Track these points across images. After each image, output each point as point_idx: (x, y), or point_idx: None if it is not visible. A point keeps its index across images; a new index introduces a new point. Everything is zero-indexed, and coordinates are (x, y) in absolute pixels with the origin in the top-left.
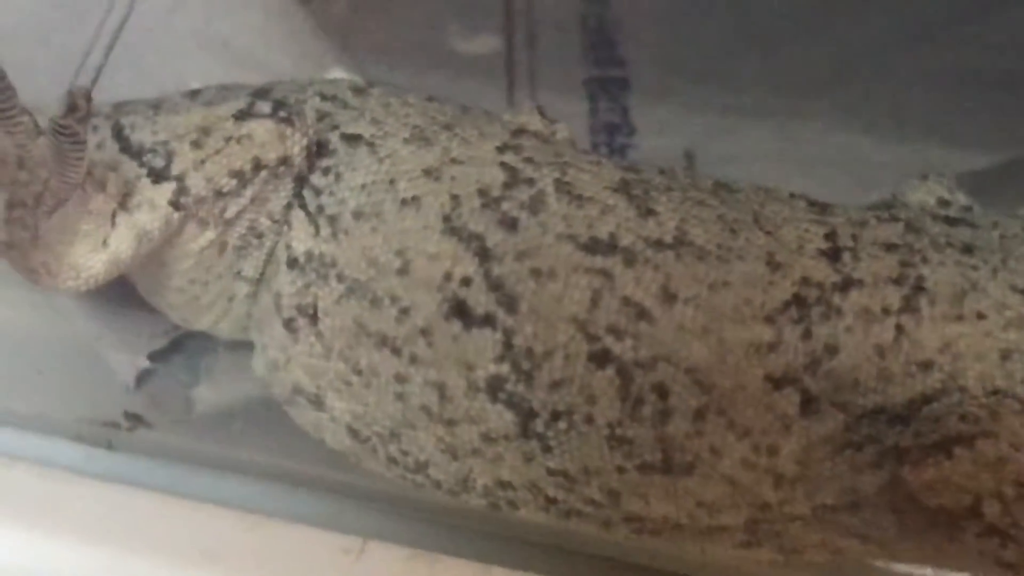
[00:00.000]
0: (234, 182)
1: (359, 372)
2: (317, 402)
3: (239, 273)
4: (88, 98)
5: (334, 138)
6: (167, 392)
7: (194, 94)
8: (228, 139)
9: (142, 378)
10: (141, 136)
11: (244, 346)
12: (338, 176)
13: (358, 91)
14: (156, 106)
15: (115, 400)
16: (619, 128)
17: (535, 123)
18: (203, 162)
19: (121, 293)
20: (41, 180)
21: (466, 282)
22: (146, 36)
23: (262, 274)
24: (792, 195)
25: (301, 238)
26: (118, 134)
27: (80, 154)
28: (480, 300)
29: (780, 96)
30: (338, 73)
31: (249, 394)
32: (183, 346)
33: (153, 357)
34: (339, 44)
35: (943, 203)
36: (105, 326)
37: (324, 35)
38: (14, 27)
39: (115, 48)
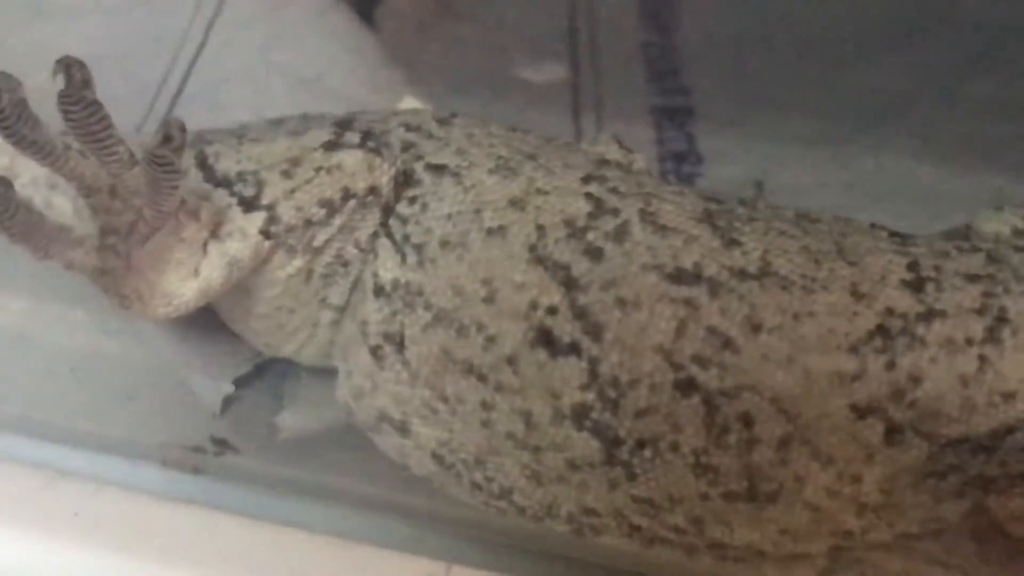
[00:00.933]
0: (323, 211)
1: (445, 399)
2: (402, 429)
3: (324, 300)
4: (183, 129)
5: (419, 168)
6: (252, 418)
7: (275, 123)
8: (318, 169)
9: (227, 404)
10: (226, 165)
11: (326, 373)
12: (424, 206)
13: (441, 121)
14: (239, 135)
15: (201, 426)
16: (686, 156)
17: (613, 152)
18: (293, 191)
19: (204, 320)
20: (135, 209)
21: (552, 311)
22: (221, 66)
23: (347, 302)
24: (872, 225)
25: (388, 266)
26: (202, 163)
27: (175, 184)
28: (566, 329)
29: (844, 125)
30: (411, 102)
31: (333, 420)
32: (266, 373)
33: (237, 383)
34: (410, 74)
35: (1019, 233)
36: (189, 353)
37: (396, 65)
38: (94, 57)
39: (191, 78)
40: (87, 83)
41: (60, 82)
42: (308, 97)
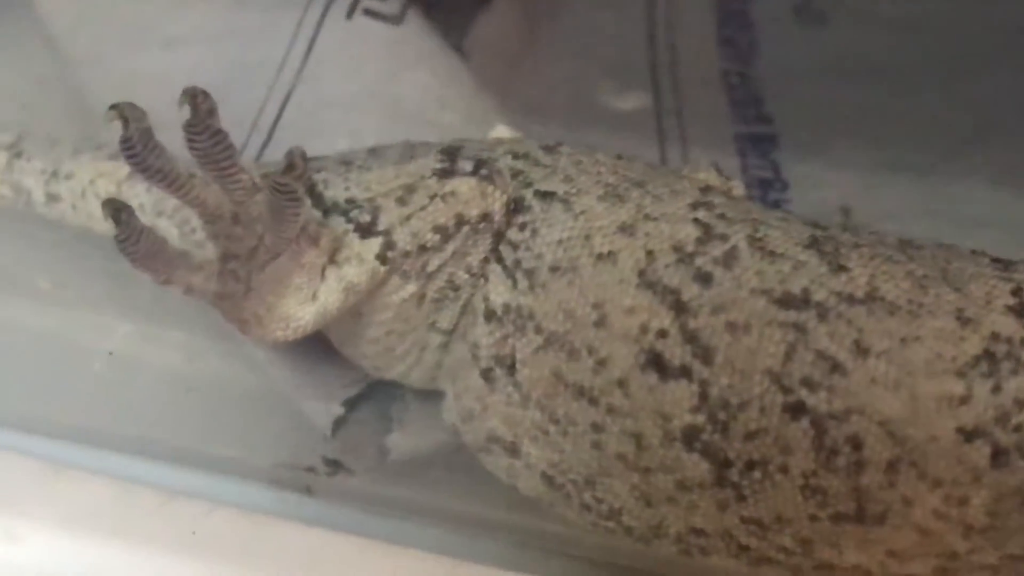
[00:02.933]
0: (437, 237)
1: (556, 421)
2: (512, 450)
3: (434, 324)
4: (305, 158)
5: (528, 195)
6: (362, 439)
7: (378, 151)
8: (433, 196)
9: (337, 425)
10: (334, 192)
11: (432, 394)
12: (534, 232)
13: (548, 149)
14: (346, 163)
15: (312, 447)
16: (772, 184)
17: (712, 180)
18: (409, 218)
19: (313, 343)
20: (256, 235)
21: (662, 335)
22: (317, 94)
23: (456, 325)
24: (974, 252)
25: (499, 291)
26: (311, 190)
27: (297, 211)
28: (676, 352)
29: (928, 153)
30: (503, 130)
31: (441, 441)
32: (373, 395)
33: (346, 405)
34: (500, 102)
35: None
36: (300, 376)
37: (486, 94)
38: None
39: (288, 106)
40: (212, 112)
41: (186, 112)
42: (402, 125)
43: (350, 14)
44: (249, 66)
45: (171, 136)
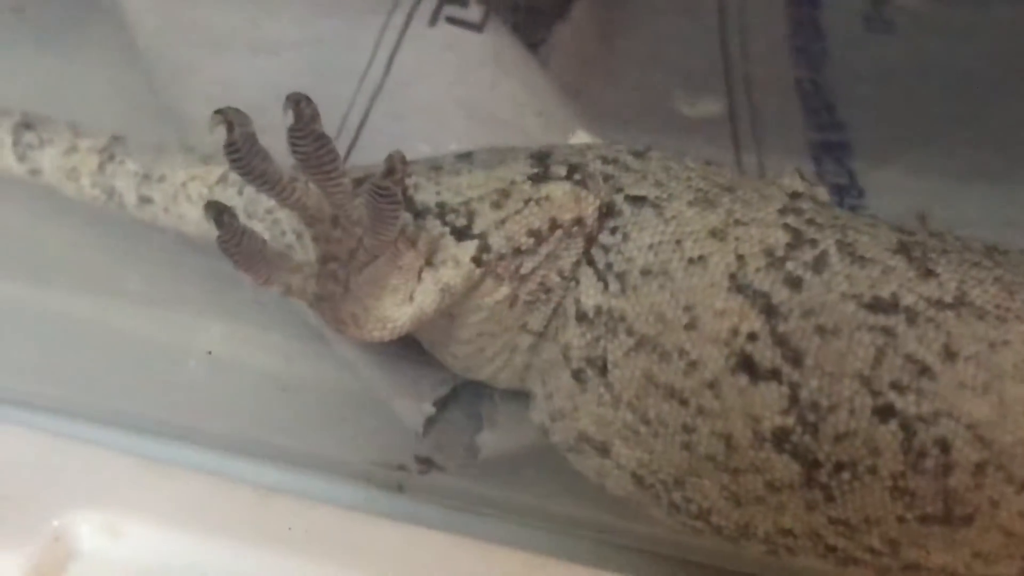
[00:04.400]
0: (532, 241)
1: (647, 422)
2: (603, 449)
3: (525, 326)
4: (404, 162)
5: (620, 199)
6: (452, 438)
7: (465, 156)
8: (527, 200)
9: (428, 424)
10: (425, 196)
11: (519, 394)
12: (625, 236)
13: (637, 154)
14: (435, 167)
15: (403, 445)
16: (848, 190)
17: (797, 185)
18: (504, 222)
19: (403, 344)
20: (355, 237)
21: (752, 337)
22: (401, 100)
23: (546, 327)
24: None
25: (591, 293)
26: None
27: (396, 214)
28: (766, 355)
29: (1003, 160)
30: (583, 136)
31: (529, 440)
32: (461, 394)
33: (437, 405)
34: (578, 108)
35: None
36: (390, 376)
37: (565, 100)
38: (279, 91)
39: (372, 111)
40: (315, 117)
41: (290, 117)
42: (483, 130)
43: (433, 21)
44: (334, 72)
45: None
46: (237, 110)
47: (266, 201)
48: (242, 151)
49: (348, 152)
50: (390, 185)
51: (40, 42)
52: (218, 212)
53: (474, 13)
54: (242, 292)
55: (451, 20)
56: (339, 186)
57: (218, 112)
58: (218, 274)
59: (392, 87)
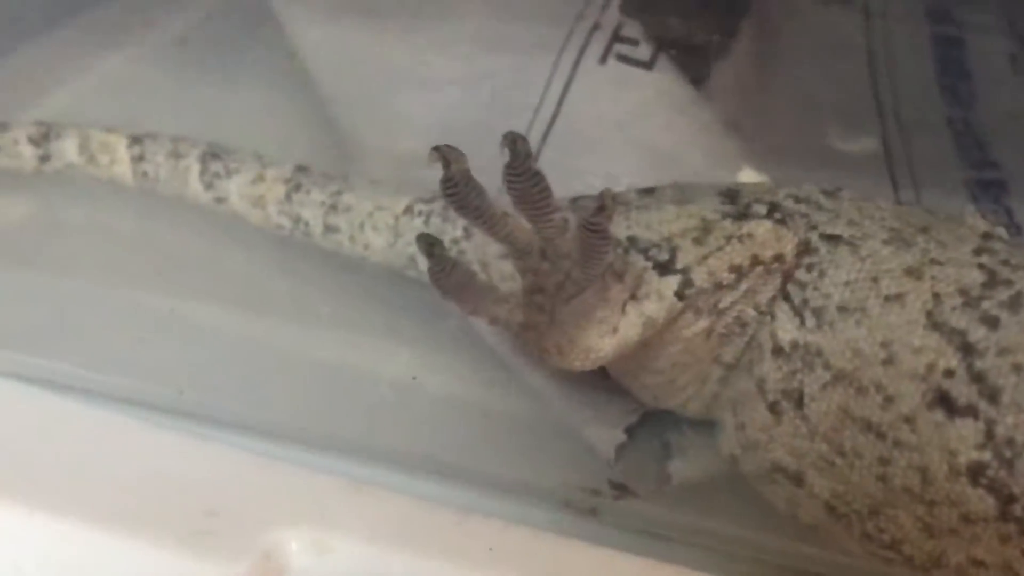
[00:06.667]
0: (732, 276)
1: (843, 454)
2: (797, 480)
3: (717, 358)
4: (615, 199)
5: (814, 237)
6: (643, 465)
7: (650, 192)
8: (729, 237)
9: (619, 451)
10: (615, 231)
11: (704, 423)
12: (821, 273)
13: (828, 194)
14: (623, 202)
15: (596, 471)
16: (1007, 229)
17: (980, 225)
18: (706, 258)
19: (590, 373)
20: (563, 270)
21: (949, 374)
22: (575, 135)
23: (738, 360)
24: None
25: (787, 328)
26: None
27: (605, 249)
28: (962, 391)
29: None
30: (750, 174)
31: (718, 469)
32: (648, 422)
33: (627, 432)
34: (743, 145)
35: None
36: (581, 404)
37: (731, 137)
38: (448, 126)
39: (544, 147)
40: (529, 155)
41: (505, 155)
42: (653, 166)
43: (603, 59)
44: (504, 108)
45: (428, 174)
46: (452, 147)
47: (451, 232)
48: (459, 186)
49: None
50: (601, 221)
51: (203, 72)
52: (429, 244)
53: (644, 52)
54: (439, 320)
55: (621, 58)
56: (551, 221)
57: (435, 149)
58: (399, 302)
59: (564, 123)
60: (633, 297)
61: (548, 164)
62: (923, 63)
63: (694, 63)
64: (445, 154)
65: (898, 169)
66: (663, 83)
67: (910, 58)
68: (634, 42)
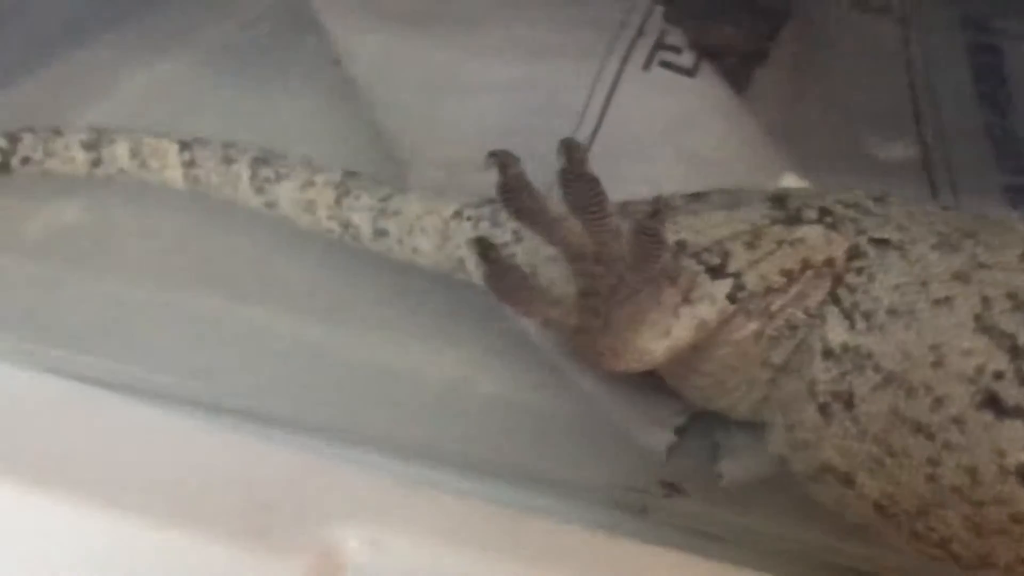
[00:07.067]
0: (784, 280)
1: (893, 454)
2: (846, 480)
3: (766, 360)
4: (669, 204)
5: (863, 242)
6: (691, 463)
7: (696, 197)
8: (780, 242)
9: (670, 452)
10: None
11: (750, 424)
12: (871, 276)
13: (877, 199)
14: (671, 207)
15: (644, 470)
16: None
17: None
18: (758, 262)
19: (638, 375)
20: (617, 274)
21: (998, 376)
22: (619, 140)
23: (786, 362)
24: None
25: (837, 331)
26: None
27: (660, 253)
28: (1011, 393)
29: None
30: (792, 180)
31: (767, 469)
32: (697, 423)
33: (677, 433)
34: (783, 151)
35: None
36: (629, 405)
37: (772, 143)
38: (493, 132)
39: (590, 151)
40: (584, 161)
41: (560, 160)
42: (696, 172)
43: (647, 66)
44: (548, 114)
45: (474, 179)
46: (508, 152)
47: (500, 236)
48: (515, 191)
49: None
50: (656, 225)
51: (247, 79)
52: (484, 248)
53: (687, 59)
54: (489, 322)
55: (665, 65)
56: (606, 226)
57: (491, 154)
58: (446, 305)
59: (609, 129)
60: (686, 300)
61: (594, 169)
62: (960, 70)
63: (736, 70)
64: (501, 159)
65: (937, 176)
66: (707, 90)
67: (947, 66)
68: (677, 49)
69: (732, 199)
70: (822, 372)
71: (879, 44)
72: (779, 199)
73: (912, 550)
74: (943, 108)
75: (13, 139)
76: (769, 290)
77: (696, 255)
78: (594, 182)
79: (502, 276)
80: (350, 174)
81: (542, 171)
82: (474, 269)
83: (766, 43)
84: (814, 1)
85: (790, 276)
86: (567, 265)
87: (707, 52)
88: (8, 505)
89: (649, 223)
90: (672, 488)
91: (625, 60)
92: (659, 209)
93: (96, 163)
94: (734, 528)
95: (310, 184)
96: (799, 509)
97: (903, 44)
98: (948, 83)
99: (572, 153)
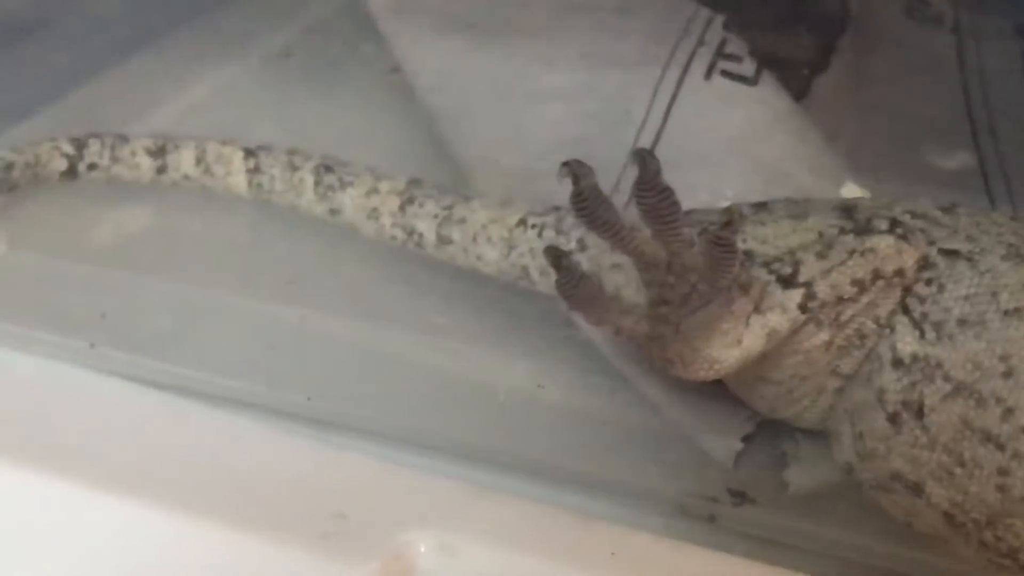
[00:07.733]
0: (854, 290)
1: (962, 464)
2: (916, 489)
3: (835, 370)
4: (742, 214)
5: (933, 252)
6: (760, 473)
7: (762, 206)
8: (851, 252)
9: (737, 460)
10: None
11: (817, 433)
12: (940, 287)
13: (945, 210)
14: None
15: (713, 478)
16: None
17: None
18: (829, 271)
19: (703, 383)
20: (689, 283)
21: None
22: (680, 149)
23: (855, 371)
24: None
25: (907, 341)
26: None
27: (732, 262)
28: None
29: None
30: (853, 189)
31: (834, 478)
32: (764, 432)
33: (744, 441)
34: (843, 159)
35: None
36: (697, 413)
37: (832, 151)
38: (555, 141)
39: None
40: (658, 172)
41: (635, 171)
42: (758, 180)
43: (708, 75)
44: (610, 123)
45: (538, 187)
46: (580, 162)
47: (565, 244)
48: (589, 201)
49: (629, 200)
50: (729, 235)
51: (307, 85)
52: (557, 257)
53: (748, 68)
54: (555, 330)
55: (726, 74)
56: (679, 235)
57: (565, 164)
58: (511, 313)
59: (670, 137)
60: (757, 310)
61: None
62: (1015, 79)
63: (795, 78)
64: (575, 169)
65: (995, 185)
66: (767, 98)
67: (1002, 75)
68: (738, 58)
69: (798, 208)
70: (892, 381)
71: (934, 53)
72: (847, 209)
73: (980, 560)
74: (999, 117)
75: (80, 145)
76: (840, 300)
77: (767, 264)
78: (668, 192)
79: (575, 285)
80: (414, 181)
81: (603, 178)
82: (539, 277)
83: (826, 52)
84: (871, 11)
85: (861, 286)
86: (633, 273)
87: (767, 61)
88: (91, 510)
89: (723, 233)
90: (740, 496)
91: (686, 69)
92: (732, 219)
93: (161, 170)
94: (801, 535)
95: (374, 191)
96: (865, 518)
97: (958, 53)
98: (1003, 92)
99: (647, 164)
